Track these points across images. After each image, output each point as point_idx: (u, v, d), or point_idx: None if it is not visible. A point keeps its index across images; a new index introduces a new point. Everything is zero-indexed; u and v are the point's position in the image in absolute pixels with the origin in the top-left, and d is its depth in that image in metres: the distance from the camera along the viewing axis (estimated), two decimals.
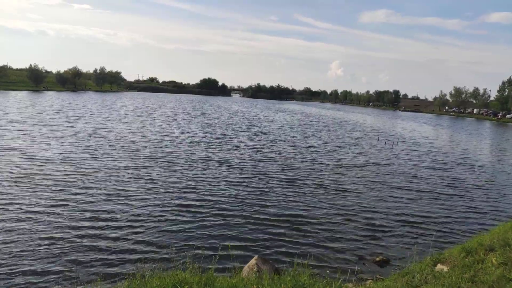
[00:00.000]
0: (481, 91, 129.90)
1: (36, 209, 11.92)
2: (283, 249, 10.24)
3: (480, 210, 15.18)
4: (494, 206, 15.91)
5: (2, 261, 8.51)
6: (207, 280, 5.57)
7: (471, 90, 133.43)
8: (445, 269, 6.66)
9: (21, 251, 9.06)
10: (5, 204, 12.13)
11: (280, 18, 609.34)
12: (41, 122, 33.85)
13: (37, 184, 14.50)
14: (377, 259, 9.93)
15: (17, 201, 12.44)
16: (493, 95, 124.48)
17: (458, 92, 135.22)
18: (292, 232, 11.49)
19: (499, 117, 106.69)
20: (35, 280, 7.86)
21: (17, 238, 9.77)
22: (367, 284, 6.79)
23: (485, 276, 5.83)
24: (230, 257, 8.75)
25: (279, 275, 6.62)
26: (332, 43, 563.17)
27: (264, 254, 9.63)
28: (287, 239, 10.96)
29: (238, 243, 10.37)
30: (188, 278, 5.60)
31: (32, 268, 8.32)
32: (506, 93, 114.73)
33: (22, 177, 15.29)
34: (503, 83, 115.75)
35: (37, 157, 18.91)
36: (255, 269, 7.61)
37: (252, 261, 8.11)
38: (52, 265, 8.51)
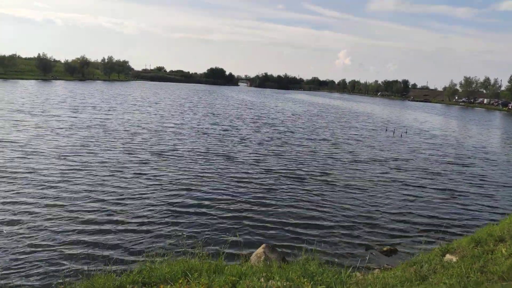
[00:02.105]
0: (492, 81, 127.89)
1: (39, 202, 12.00)
2: (290, 239, 10.29)
3: (490, 200, 15.06)
4: (505, 197, 15.76)
5: (12, 255, 8.65)
6: (216, 267, 5.63)
7: (481, 80, 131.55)
8: (454, 259, 6.65)
9: (28, 244, 9.18)
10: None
11: (287, 7, 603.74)
12: (43, 112, 33.38)
13: (40, 177, 14.52)
14: (385, 248, 9.94)
15: (14, 197, 12.10)
16: (504, 85, 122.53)
17: (468, 82, 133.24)
18: (299, 222, 11.52)
19: (510, 107, 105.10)
20: (46, 273, 8.00)
21: (24, 231, 9.92)
22: (375, 273, 6.80)
23: (495, 266, 5.81)
24: (237, 245, 8.81)
25: (286, 263, 6.67)
26: (340, 32, 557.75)
27: (271, 242, 9.67)
28: (294, 228, 11.00)
29: (245, 232, 10.43)
30: (197, 265, 5.67)
31: (42, 260, 8.44)
32: None
33: (18, 171, 14.78)
34: None
35: (33, 150, 18.20)
36: (262, 258, 7.66)
37: (260, 250, 8.17)
38: (62, 256, 8.64)
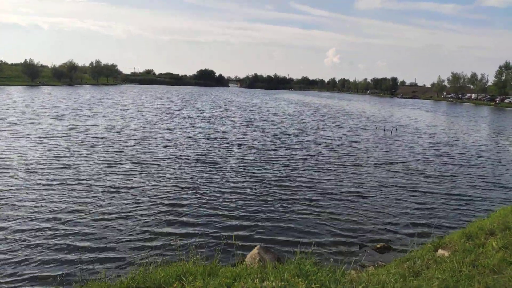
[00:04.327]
0: (479, 76, 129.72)
1: (26, 213, 11.89)
2: (284, 239, 10.30)
3: (480, 195, 15.25)
4: (494, 190, 15.98)
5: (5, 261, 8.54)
6: (211, 270, 5.61)
7: (469, 75, 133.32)
8: (446, 254, 6.73)
9: (18, 255, 9.07)
10: None
11: (275, 7, 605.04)
12: (19, 120, 31.43)
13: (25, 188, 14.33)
14: (378, 246, 10.01)
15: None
16: (491, 79, 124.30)
17: (455, 77, 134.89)
18: (293, 222, 11.55)
19: (497, 102, 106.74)
20: (38, 276, 7.92)
21: (11, 242, 9.81)
22: (369, 270, 6.85)
23: (486, 260, 5.89)
24: (232, 247, 8.79)
25: (281, 263, 6.68)
26: (329, 31, 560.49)
27: (265, 243, 9.69)
28: (288, 229, 11.03)
29: (239, 234, 10.41)
30: (192, 268, 5.64)
31: (33, 269, 8.35)
32: (503, 78, 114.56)
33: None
34: (500, 67, 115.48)
35: (4, 163, 16.59)
36: (257, 259, 7.67)
37: (254, 251, 8.18)
38: (54, 264, 8.54)
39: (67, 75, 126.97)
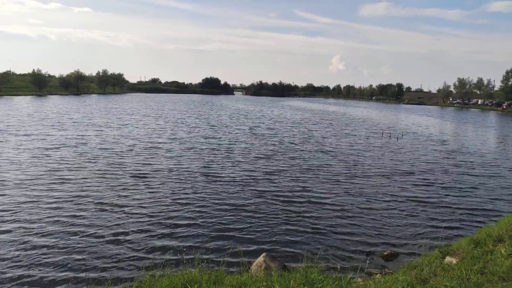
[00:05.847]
0: (485, 82, 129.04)
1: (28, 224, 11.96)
2: (290, 247, 10.24)
3: (490, 203, 15.08)
4: (503, 198, 15.80)
5: (8, 270, 8.58)
6: (216, 278, 5.60)
7: (475, 81, 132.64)
8: (454, 261, 6.65)
9: (25, 258, 9.12)
10: None
11: (279, 15, 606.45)
12: (22, 130, 30.99)
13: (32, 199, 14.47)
14: (385, 253, 9.92)
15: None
16: (497, 85, 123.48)
17: (462, 83, 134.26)
18: (299, 230, 11.49)
19: (504, 107, 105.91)
20: (43, 286, 7.94)
21: (21, 246, 9.85)
22: (376, 278, 6.79)
23: (495, 267, 5.82)
24: (237, 255, 8.76)
25: (287, 272, 6.64)
26: (333, 38, 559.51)
27: (271, 251, 9.64)
28: (294, 236, 10.97)
29: (245, 242, 10.38)
30: (197, 276, 5.64)
31: (41, 273, 8.37)
32: (510, 83, 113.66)
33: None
34: (507, 72, 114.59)
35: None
36: (263, 267, 7.64)
37: (260, 259, 8.14)
38: (59, 273, 8.55)
39: (74, 85, 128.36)
